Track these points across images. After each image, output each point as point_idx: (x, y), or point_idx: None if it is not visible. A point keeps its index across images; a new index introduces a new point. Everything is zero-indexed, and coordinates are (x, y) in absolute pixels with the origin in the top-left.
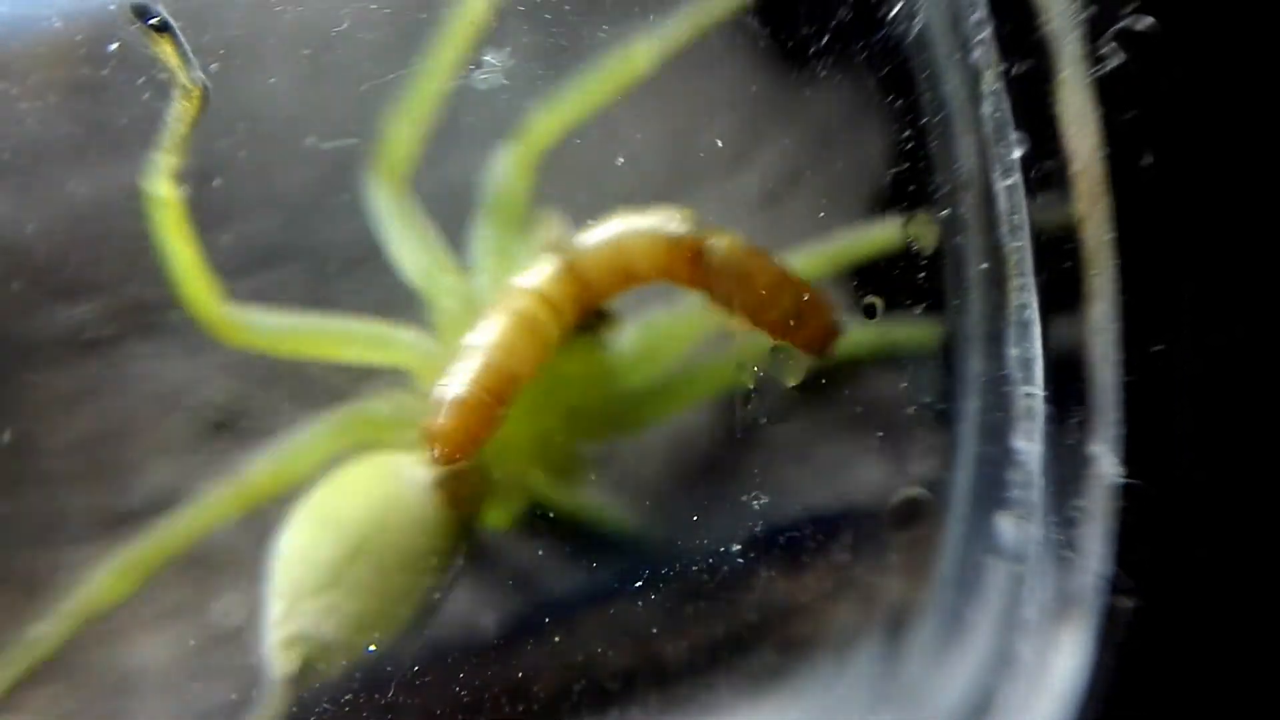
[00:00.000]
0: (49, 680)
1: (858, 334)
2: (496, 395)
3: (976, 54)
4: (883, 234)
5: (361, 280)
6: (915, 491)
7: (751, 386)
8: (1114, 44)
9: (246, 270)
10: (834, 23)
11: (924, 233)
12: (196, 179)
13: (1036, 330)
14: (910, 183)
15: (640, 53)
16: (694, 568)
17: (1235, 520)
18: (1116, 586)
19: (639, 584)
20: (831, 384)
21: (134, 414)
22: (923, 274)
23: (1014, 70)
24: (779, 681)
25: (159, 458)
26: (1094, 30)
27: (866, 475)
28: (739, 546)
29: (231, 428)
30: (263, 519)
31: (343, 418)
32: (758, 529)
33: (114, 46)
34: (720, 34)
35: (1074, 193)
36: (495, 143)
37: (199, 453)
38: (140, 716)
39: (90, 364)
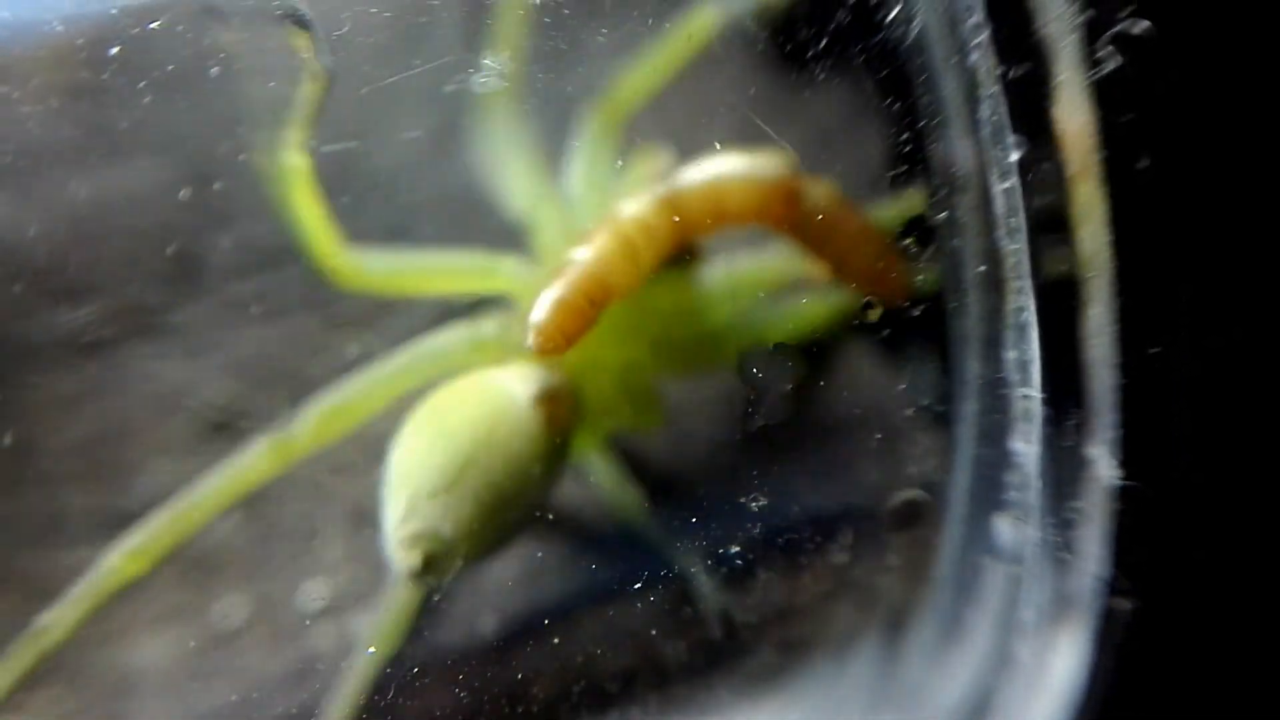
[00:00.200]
0: (50, 681)
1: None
2: (590, 298)
3: (974, 57)
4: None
5: None
6: (914, 493)
7: (753, 390)
8: (1111, 47)
9: (246, 272)
10: (832, 26)
11: (914, 205)
12: (197, 181)
13: (1034, 333)
14: (908, 185)
15: (705, 17)
16: (693, 569)
17: (1233, 522)
18: (1114, 588)
19: (638, 585)
20: (830, 386)
21: (134, 415)
22: (921, 275)
23: (1011, 73)
24: (778, 682)
25: (159, 459)
26: (1091, 34)
27: (865, 477)
28: (738, 548)
29: (231, 429)
30: (263, 519)
31: (451, 337)
32: (757, 530)
33: (115, 50)
34: (719, 37)
35: (1071, 196)
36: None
37: (199, 454)
38: (140, 717)
39: (90, 365)
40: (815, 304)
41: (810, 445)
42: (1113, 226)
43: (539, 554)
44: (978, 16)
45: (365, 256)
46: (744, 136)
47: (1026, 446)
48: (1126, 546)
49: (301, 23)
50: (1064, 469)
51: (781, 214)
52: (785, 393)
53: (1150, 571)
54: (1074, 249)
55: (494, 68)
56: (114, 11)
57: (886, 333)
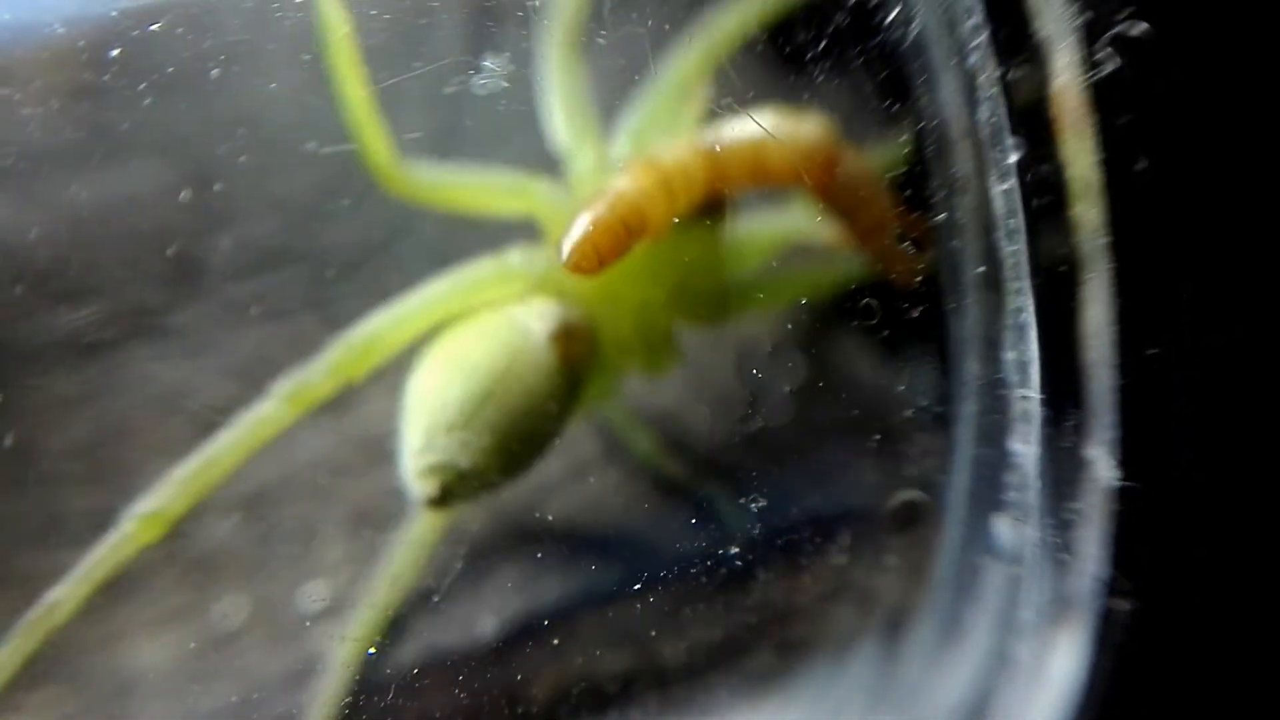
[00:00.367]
0: (49, 681)
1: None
2: (626, 223)
3: (973, 59)
4: None
5: (360, 284)
6: (913, 494)
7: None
8: (1109, 49)
9: (246, 273)
10: (831, 28)
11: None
12: (197, 183)
13: (1033, 333)
14: (906, 187)
15: None
16: (692, 570)
17: (1232, 522)
18: (1113, 588)
19: (637, 586)
20: (829, 387)
21: (134, 416)
22: (919, 277)
23: (1010, 75)
24: (777, 683)
25: (159, 459)
26: (1089, 36)
27: (864, 478)
28: (737, 549)
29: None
30: (263, 521)
31: (476, 269)
32: (756, 531)
33: (115, 52)
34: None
35: (1069, 197)
36: (494, 146)
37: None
38: (140, 718)
39: (91, 367)
40: (828, 270)
41: (809, 446)
42: (1111, 228)
43: (538, 555)
44: (977, 18)
45: (413, 165)
46: None
47: (1025, 447)
48: (1125, 547)
49: None
50: (1063, 469)
51: (819, 178)
52: (785, 394)
53: (1149, 572)
54: (1073, 250)
55: (495, 69)
56: (114, 14)
57: (886, 334)
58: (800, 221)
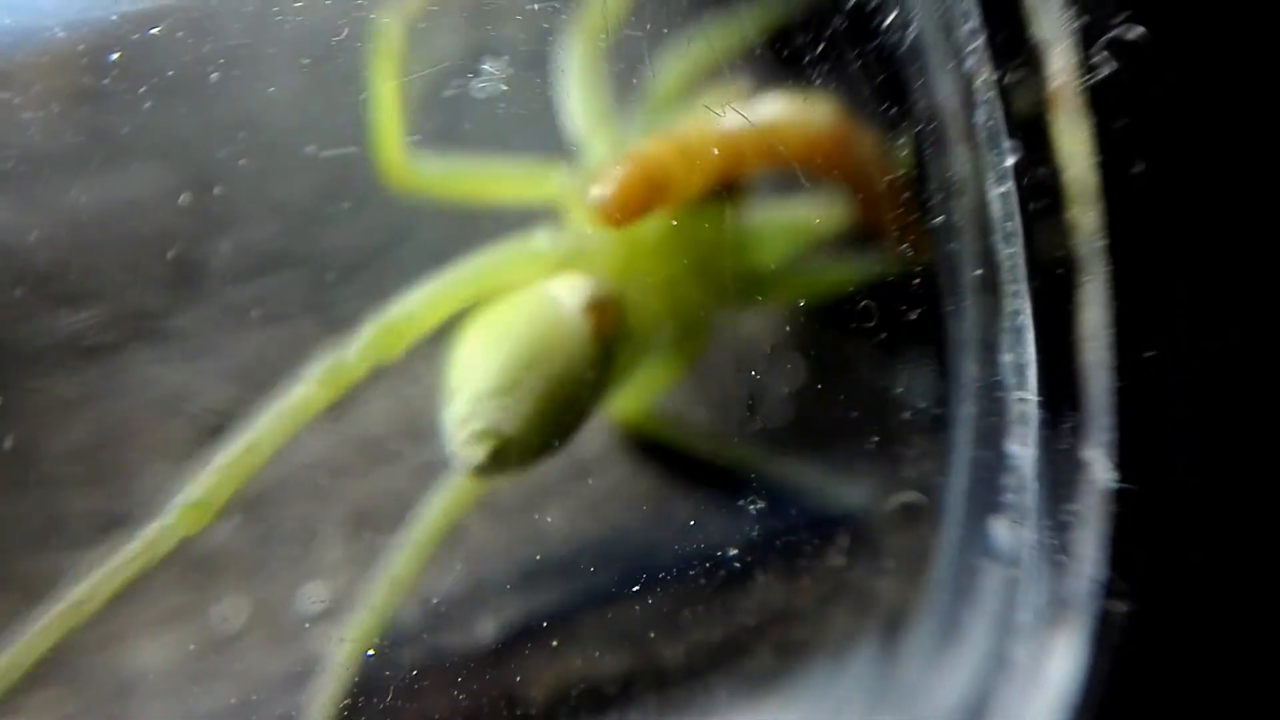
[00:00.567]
0: (49, 683)
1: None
2: (650, 179)
3: (970, 63)
4: None
5: (360, 287)
6: (911, 496)
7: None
8: (1105, 53)
9: (246, 276)
10: (829, 32)
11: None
12: (197, 187)
13: (1030, 336)
14: (904, 189)
15: None
16: (691, 572)
17: (1229, 525)
18: (1110, 590)
19: (636, 588)
20: (828, 389)
21: (134, 419)
22: (917, 280)
23: (1006, 79)
24: (776, 685)
25: (159, 462)
26: (1085, 39)
27: (862, 480)
28: (736, 551)
29: (231, 433)
30: (263, 522)
31: (503, 250)
32: (754, 533)
33: (116, 56)
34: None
35: (1066, 200)
36: (493, 149)
37: (198, 457)
38: (140, 719)
39: (91, 370)
40: (843, 268)
41: (807, 448)
42: (1108, 231)
43: (537, 557)
44: (974, 22)
45: (422, 158)
46: None
47: (1023, 449)
48: (1123, 549)
49: None
50: (1060, 472)
51: (833, 157)
52: (783, 396)
53: (1147, 574)
54: (1070, 253)
55: (494, 73)
56: (115, 18)
57: (884, 336)
58: (814, 210)
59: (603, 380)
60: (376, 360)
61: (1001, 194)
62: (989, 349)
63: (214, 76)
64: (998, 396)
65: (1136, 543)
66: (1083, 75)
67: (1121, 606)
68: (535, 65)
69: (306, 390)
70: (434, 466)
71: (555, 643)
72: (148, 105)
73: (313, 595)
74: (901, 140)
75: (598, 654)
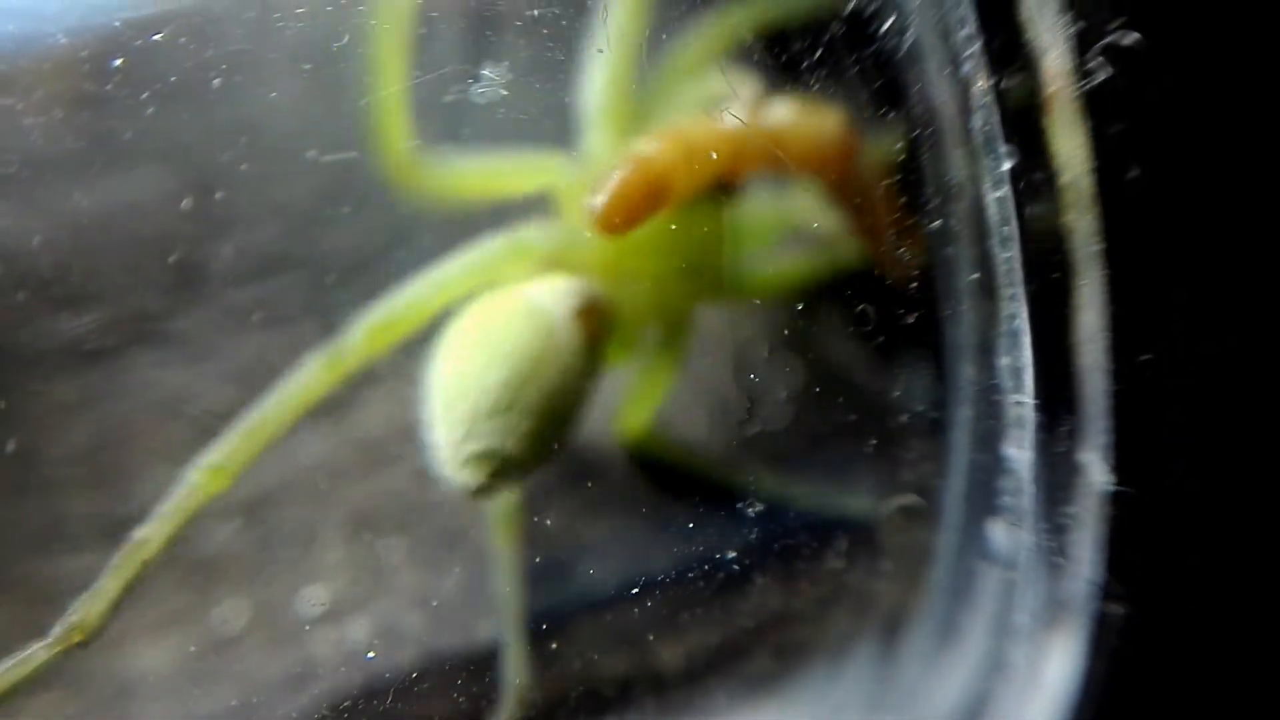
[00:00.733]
0: (50, 685)
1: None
2: (651, 185)
3: (966, 68)
4: None
5: (360, 290)
6: (908, 499)
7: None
8: (1101, 58)
9: (247, 279)
10: (827, 37)
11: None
12: (199, 191)
13: (1027, 339)
14: (901, 194)
15: None
16: (690, 574)
17: (1226, 527)
18: (1107, 593)
19: (635, 591)
20: (825, 393)
21: (135, 422)
22: (915, 284)
23: (1003, 84)
24: (775, 687)
25: (160, 465)
26: (1081, 45)
27: (860, 483)
28: (734, 553)
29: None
30: (263, 524)
31: (494, 244)
32: (753, 536)
33: (118, 62)
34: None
35: (1062, 204)
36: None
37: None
38: None
39: (92, 373)
40: (828, 255)
41: (805, 451)
42: (1104, 235)
43: (535, 559)
44: (970, 28)
45: (427, 158)
46: None
47: (1020, 452)
48: (1120, 551)
49: None
50: (1057, 474)
51: (835, 167)
52: (781, 399)
53: (1143, 577)
54: (1066, 257)
55: (494, 78)
56: (117, 24)
57: (881, 340)
58: (804, 208)
59: (593, 383)
60: (370, 354)
61: (998, 198)
62: (986, 352)
63: (216, 82)
64: (995, 400)
65: (1133, 545)
66: (1079, 80)
67: (1118, 609)
68: (535, 71)
69: (308, 378)
70: (434, 468)
71: (554, 645)
72: (150, 110)
73: (313, 598)
74: (899, 145)
75: (596, 656)
